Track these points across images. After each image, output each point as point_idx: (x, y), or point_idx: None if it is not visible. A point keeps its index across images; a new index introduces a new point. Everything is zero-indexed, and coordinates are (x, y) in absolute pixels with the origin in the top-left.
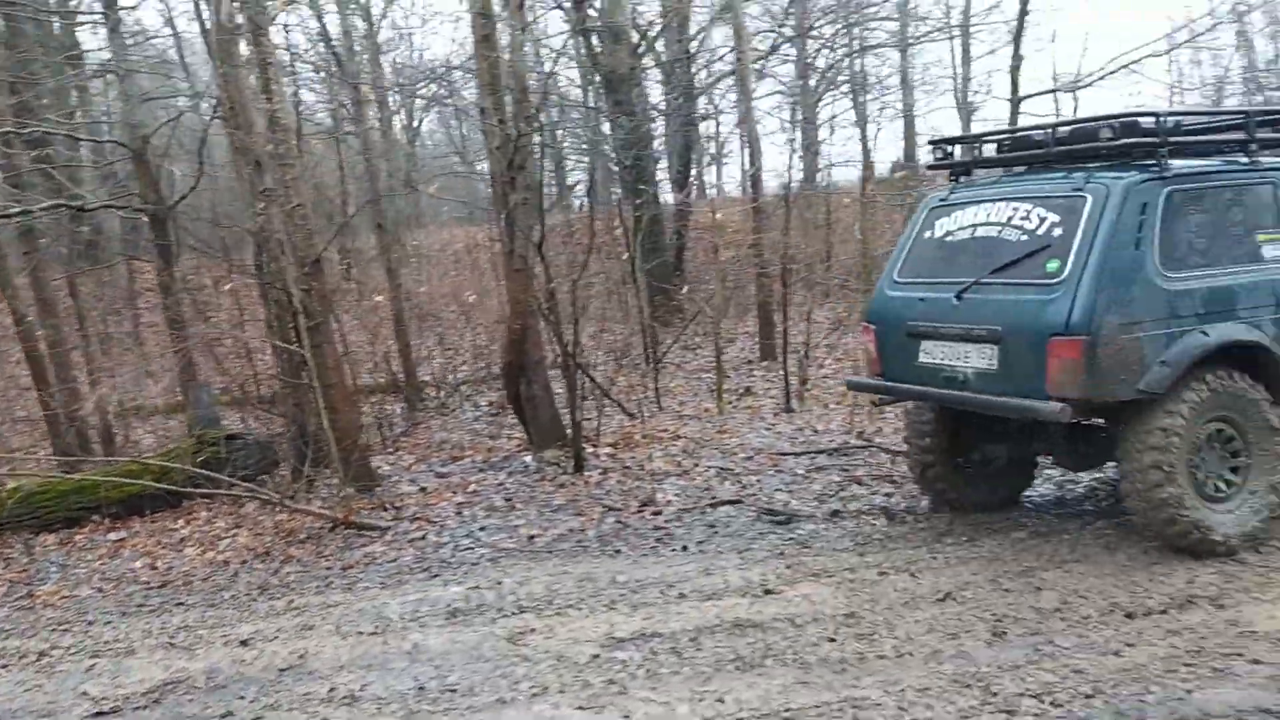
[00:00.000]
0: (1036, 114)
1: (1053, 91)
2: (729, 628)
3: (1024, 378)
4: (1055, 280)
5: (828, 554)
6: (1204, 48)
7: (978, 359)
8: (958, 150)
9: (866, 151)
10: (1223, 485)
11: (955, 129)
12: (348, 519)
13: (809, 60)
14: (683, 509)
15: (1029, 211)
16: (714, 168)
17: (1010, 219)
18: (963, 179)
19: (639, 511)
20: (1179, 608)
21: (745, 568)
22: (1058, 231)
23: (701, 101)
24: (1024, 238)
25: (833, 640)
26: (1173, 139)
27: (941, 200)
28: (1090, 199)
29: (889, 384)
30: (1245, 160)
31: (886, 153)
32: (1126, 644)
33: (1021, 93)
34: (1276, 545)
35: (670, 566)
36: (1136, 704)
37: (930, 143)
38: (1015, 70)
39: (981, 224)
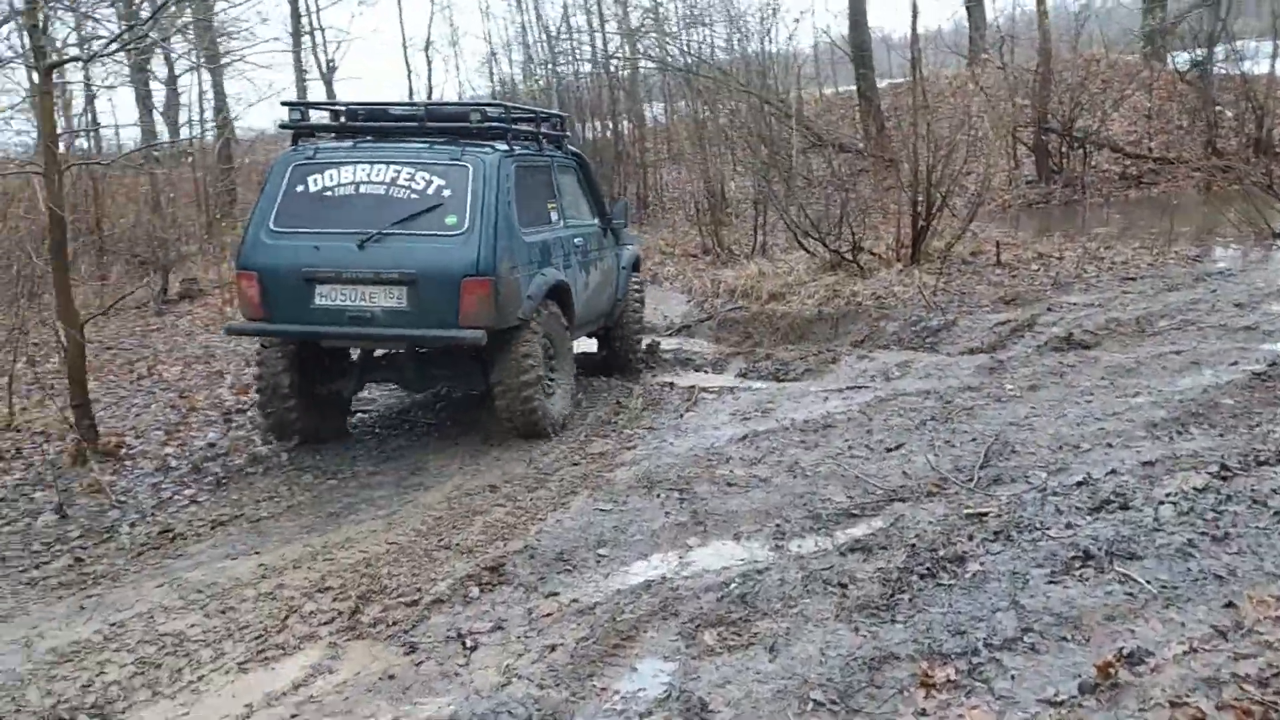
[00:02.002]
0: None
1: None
2: None
3: (437, 313)
4: (458, 232)
5: None
6: None
7: (385, 299)
8: (316, 115)
9: None
10: (549, 384)
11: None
12: None
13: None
14: None
15: (413, 174)
16: None
17: (395, 179)
18: (307, 140)
19: None
20: None
21: None
22: (447, 192)
23: None
24: (414, 196)
25: None
26: (513, 127)
27: (307, 159)
28: (471, 168)
29: (277, 326)
30: (536, 147)
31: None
32: None
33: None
34: None
35: None
36: None
37: (285, 104)
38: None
39: (364, 182)
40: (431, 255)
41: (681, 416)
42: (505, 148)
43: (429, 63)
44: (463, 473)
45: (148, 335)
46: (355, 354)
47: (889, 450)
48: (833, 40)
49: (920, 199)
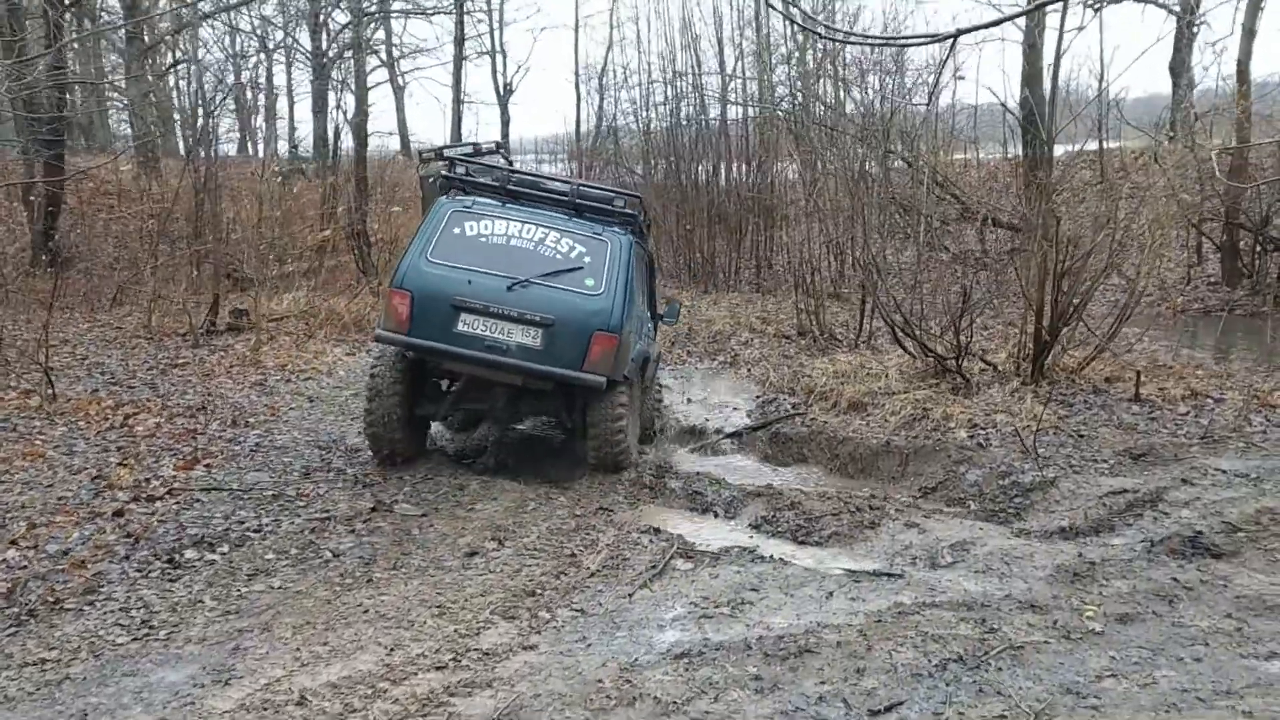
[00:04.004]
0: None
1: None
2: None
3: (566, 355)
4: (595, 293)
5: None
6: None
7: (522, 336)
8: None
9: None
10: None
11: None
12: None
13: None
14: None
15: (559, 239)
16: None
17: (544, 239)
18: (456, 192)
19: None
20: None
21: None
22: (588, 259)
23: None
24: (558, 256)
25: None
26: (639, 217)
27: (465, 208)
28: (609, 243)
29: (425, 342)
30: (642, 239)
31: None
32: None
33: None
34: None
35: None
36: None
37: (440, 154)
38: None
39: (515, 236)
40: (570, 307)
41: (631, 596)
42: (633, 233)
43: (601, 91)
44: (297, 660)
45: (167, 370)
46: (445, 384)
47: (873, 714)
48: (1000, 100)
49: (1047, 305)
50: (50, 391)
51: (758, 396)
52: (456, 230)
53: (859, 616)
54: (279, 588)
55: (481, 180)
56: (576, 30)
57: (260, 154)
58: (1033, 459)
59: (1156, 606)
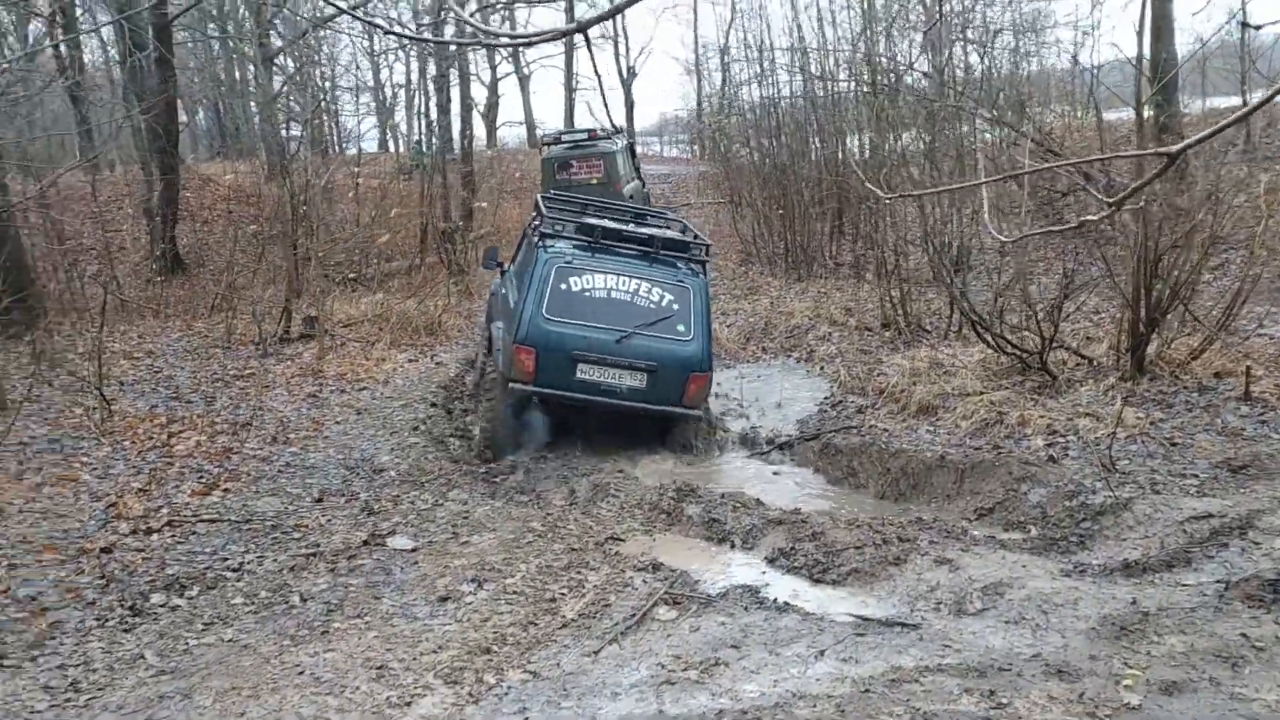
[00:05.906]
0: None
1: None
2: None
3: (667, 393)
4: (686, 338)
5: None
6: None
7: (631, 380)
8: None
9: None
10: None
11: None
12: None
13: None
14: None
15: (650, 289)
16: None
17: (638, 290)
18: (549, 239)
19: None
20: None
21: None
22: (676, 306)
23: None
24: (652, 306)
25: None
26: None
27: (567, 263)
28: (691, 289)
29: (546, 391)
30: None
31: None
32: None
33: None
34: None
35: None
36: None
37: (546, 233)
38: None
39: (614, 289)
40: (668, 354)
41: (597, 654)
42: (704, 274)
43: (724, 69)
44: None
45: (230, 383)
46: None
47: None
48: (1128, 58)
49: (1143, 294)
50: (108, 409)
51: (824, 398)
52: (563, 286)
53: (845, 684)
54: (229, 640)
55: (571, 235)
56: (695, 8)
57: (396, 150)
58: (1106, 475)
59: (1215, 671)
